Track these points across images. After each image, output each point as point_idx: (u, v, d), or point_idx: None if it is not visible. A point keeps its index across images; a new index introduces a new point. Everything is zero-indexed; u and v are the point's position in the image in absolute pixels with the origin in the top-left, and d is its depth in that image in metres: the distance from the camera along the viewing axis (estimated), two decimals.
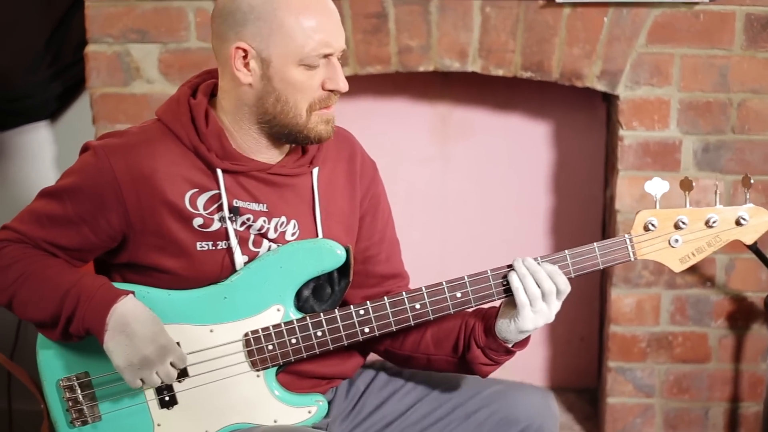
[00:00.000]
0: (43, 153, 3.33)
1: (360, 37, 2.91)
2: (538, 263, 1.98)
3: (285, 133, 1.97)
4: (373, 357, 2.24)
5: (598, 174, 3.31)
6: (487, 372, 2.08)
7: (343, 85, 1.95)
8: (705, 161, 2.95)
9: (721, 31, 2.86)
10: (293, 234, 2.05)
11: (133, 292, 1.96)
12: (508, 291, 1.99)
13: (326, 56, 1.93)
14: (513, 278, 1.97)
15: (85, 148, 2.03)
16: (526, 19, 2.88)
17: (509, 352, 2.03)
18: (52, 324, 1.96)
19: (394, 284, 2.20)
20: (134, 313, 1.92)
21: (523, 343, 2.04)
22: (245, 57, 1.92)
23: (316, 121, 1.96)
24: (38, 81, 3.21)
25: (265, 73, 1.92)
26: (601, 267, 2.03)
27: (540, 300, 1.96)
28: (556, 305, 1.98)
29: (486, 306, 2.06)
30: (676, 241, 2.03)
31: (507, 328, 1.99)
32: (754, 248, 2.72)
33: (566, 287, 1.97)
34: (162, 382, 1.95)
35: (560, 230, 3.36)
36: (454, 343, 2.08)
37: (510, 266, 2.00)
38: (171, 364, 1.94)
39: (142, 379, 1.93)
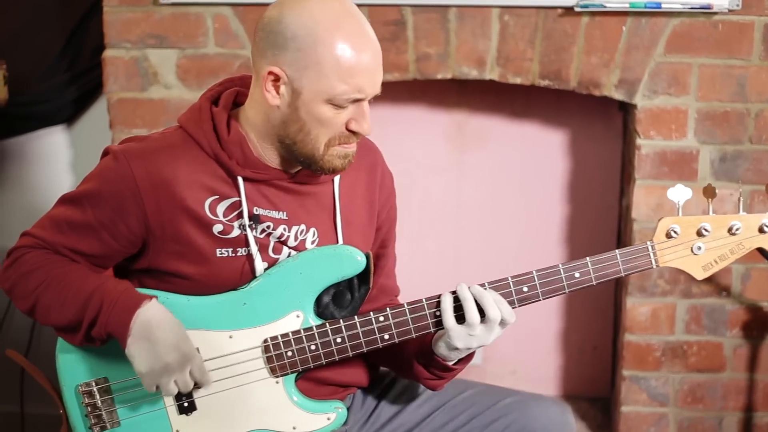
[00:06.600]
0: (60, 157, 3.34)
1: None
2: (485, 289, 1.97)
3: (301, 160, 1.96)
4: None
5: (613, 183, 3.30)
6: (435, 386, 2.09)
7: (368, 129, 1.93)
8: (722, 171, 2.95)
9: (740, 41, 2.86)
10: (313, 242, 2.05)
11: (156, 297, 1.95)
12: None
13: (357, 100, 1.91)
14: (444, 300, 1.97)
15: (106, 153, 2.02)
16: (545, 28, 2.88)
17: (448, 369, 2.04)
18: (74, 328, 1.96)
19: (387, 297, 2.21)
20: (158, 319, 1.91)
21: (465, 360, 2.05)
22: (277, 81, 1.90)
23: (333, 155, 1.94)
24: (55, 85, 3.23)
25: (294, 101, 1.90)
26: (623, 274, 2.02)
27: (478, 325, 1.95)
28: (497, 332, 1.97)
29: None
30: (699, 248, 2.02)
31: (440, 346, 2.00)
32: None
33: (510, 317, 1.96)
34: (178, 391, 1.95)
35: (575, 239, 3.36)
36: (406, 358, 2.09)
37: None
38: (189, 372, 1.94)
39: (158, 386, 1.93)
